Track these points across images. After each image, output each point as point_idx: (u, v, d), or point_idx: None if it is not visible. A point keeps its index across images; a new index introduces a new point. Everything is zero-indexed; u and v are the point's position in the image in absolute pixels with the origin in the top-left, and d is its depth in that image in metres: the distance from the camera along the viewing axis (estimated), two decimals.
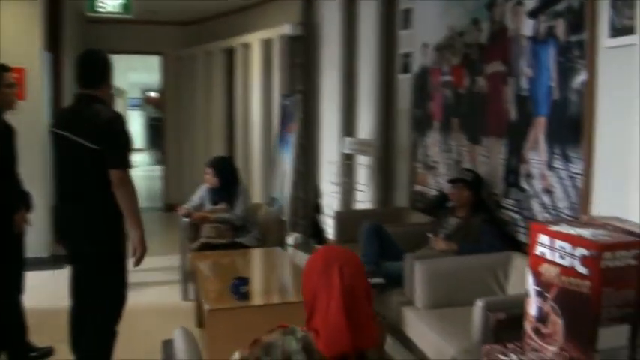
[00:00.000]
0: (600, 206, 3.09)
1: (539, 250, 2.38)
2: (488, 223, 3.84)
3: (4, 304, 3.46)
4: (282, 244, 4.80)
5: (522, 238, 3.70)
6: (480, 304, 2.77)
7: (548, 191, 3.47)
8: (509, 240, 3.76)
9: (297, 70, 6.65)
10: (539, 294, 2.38)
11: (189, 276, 4.75)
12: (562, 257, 2.16)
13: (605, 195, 3.10)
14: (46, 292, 4.70)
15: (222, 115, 8.36)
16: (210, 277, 3.74)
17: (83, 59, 3.10)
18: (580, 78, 3.21)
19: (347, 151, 5.76)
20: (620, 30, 2.95)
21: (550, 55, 3.44)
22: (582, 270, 1.69)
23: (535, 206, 3.59)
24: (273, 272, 3.95)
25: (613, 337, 1.70)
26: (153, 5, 7.38)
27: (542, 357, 2.30)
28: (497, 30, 3.96)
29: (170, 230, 7.95)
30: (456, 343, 2.87)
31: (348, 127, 6.16)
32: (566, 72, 3.32)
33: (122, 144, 2.96)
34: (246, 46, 7.62)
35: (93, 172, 2.93)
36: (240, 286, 3.09)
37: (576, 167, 3.25)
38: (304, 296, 1.83)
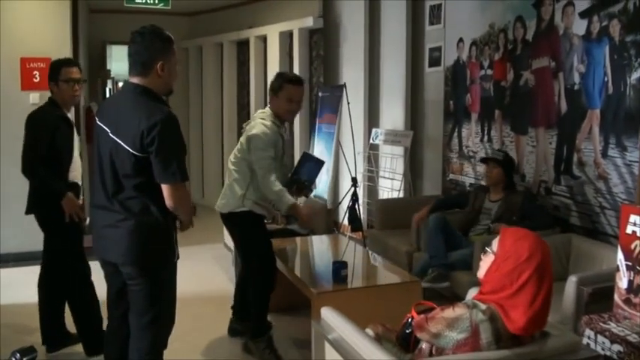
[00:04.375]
0: None
1: (630, 229, 2.71)
2: (529, 200, 4.16)
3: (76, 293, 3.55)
4: (329, 231, 5.02)
5: (575, 221, 4.03)
6: (573, 279, 3.07)
7: (603, 177, 3.81)
8: (559, 221, 4.09)
9: (318, 62, 6.86)
10: (631, 268, 2.71)
11: None
12: None
13: None
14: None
15: (233, 106, 8.47)
16: (294, 262, 3.98)
17: (132, 39, 2.53)
18: (636, 75, 3.54)
19: (377, 142, 6.02)
20: None
21: (604, 53, 3.76)
22: None
23: (589, 191, 3.92)
24: (350, 257, 4.12)
25: None
26: None
27: (634, 323, 2.63)
28: (545, 27, 4.26)
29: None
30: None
31: (372, 118, 6.42)
32: (621, 69, 3.64)
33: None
34: (261, 39, 7.76)
35: (138, 180, 2.49)
36: (340, 270, 3.32)
37: (632, 155, 3.59)
38: (509, 274, 2.01)
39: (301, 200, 4.52)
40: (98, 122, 2.58)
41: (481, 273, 2.14)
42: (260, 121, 3.55)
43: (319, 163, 3.80)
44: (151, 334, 2.61)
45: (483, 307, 2.04)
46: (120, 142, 2.43)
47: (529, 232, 2.12)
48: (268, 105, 3.69)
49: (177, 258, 2.65)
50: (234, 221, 3.64)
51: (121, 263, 2.57)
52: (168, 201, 2.47)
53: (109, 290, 2.77)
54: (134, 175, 2.46)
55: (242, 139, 3.59)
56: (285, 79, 3.64)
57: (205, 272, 5.42)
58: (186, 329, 3.82)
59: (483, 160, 4.52)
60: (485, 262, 2.12)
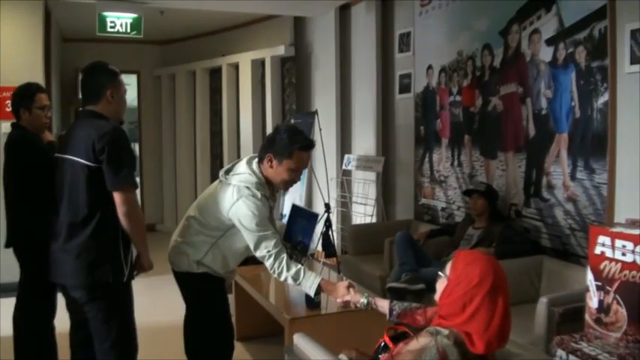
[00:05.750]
0: (623, 211, 3.50)
1: (599, 249, 2.74)
2: (510, 228, 4.21)
3: (40, 331, 3.42)
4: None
5: (546, 243, 4.08)
6: (544, 300, 3.10)
7: (572, 200, 3.87)
8: (532, 244, 4.14)
9: (290, 89, 6.90)
10: (600, 288, 2.74)
11: None
12: (624, 255, 2.53)
13: (628, 201, 3.53)
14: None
15: (206, 134, 8.47)
16: (268, 288, 3.94)
17: (83, 73, 2.75)
18: (602, 99, 3.63)
19: (349, 167, 6.05)
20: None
21: (571, 79, 3.85)
22: None
23: (558, 214, 3.98)
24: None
25: None
26: None
27: (605, 343, 2.66)
28: (512, 55, 4.36)
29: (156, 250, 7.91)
30: (518, 339, 3.18)
31: (344, 145, 6.47)
32: (587, 94, 3.74)
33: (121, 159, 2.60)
34: (234, 66, 7.79)
35: (90, 194, 2.60)
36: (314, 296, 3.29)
37: (600, 177, 3.66)
38: (461, 299, 2.00)
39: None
40: (55, 155, 2.76)
41: (437, 296, 2.13)
42: (246, 192, 2.72)
43: (312, 218, 3.23)
44: (114, 358, 2.70)
45: (446, 332, 2.02)
46: (74, 158, 2.60)
47: (481, 256, 2.10)
48: (256, 164, 2.82)
49: (132, 278, 2.76)
50: (184, 283, 2.98)
51: (70, 286, 2.69)
52: (120, 208, 2.58)
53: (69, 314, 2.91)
54: (86, 190, 2.58)
55: (215, 191, 2.87)
56: (297, 144, 2.73)
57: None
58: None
59: (466, 193, 4.57)
60: (440, 286, 2.11)
